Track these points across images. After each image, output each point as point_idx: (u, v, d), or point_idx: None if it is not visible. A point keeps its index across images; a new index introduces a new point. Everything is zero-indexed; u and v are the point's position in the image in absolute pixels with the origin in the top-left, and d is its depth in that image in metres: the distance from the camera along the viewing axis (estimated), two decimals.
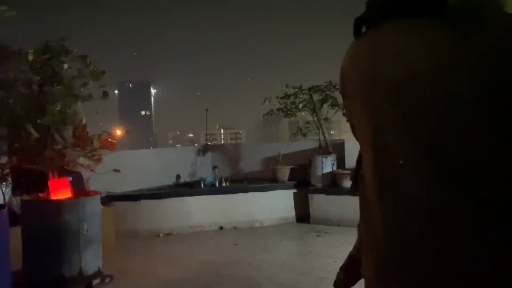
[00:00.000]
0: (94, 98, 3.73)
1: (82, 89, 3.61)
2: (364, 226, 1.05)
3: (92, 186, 5.35)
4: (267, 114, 7.48)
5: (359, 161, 1.10)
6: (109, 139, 3.90)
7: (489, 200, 0.79)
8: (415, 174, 0.85)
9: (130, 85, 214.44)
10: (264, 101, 7.18)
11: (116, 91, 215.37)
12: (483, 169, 0.80)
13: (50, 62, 3.36)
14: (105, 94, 3.81)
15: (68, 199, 3.80)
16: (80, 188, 4.68)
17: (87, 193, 4.05)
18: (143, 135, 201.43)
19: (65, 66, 3.44)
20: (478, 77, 0.80)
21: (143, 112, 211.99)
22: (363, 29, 1.04)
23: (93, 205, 3.82)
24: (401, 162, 0.88)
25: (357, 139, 1.05)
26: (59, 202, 3.71)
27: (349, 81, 1.05)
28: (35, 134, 3.35)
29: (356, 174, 1.15)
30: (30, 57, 3.35)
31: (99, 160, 3.87)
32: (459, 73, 0.83)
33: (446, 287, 0.82)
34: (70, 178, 4.17)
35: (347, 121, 1.20)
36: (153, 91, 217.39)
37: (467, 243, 0.80)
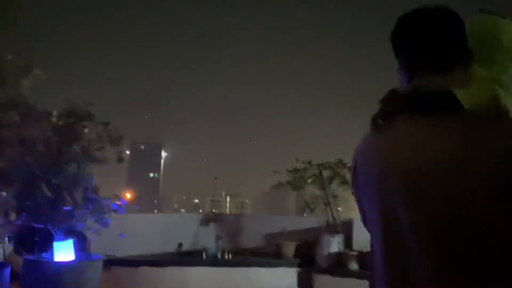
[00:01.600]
0: (109, 161, 3.79)
1: (97, 152, 3.68)
2: None
3: (92, 248, 5.25)
4: (275, 186, 7.46)
5: (372, 248, 1.11)
6: (118, 202, 3.89)
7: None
8: (424, 263, 0.90)
9: (143, 146, 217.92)
10: (274, 173, 7.20)
11: (127, 152, 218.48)
12: (489, 257, 0.85)
13: (72, 125, 3.47)
14: (120, 159, 3.88)
15: (70, 262, 3.72)
16: (82, 250, 4.60)
17: (90, 257, 3.97)
18: (149, 198, 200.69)
19: (86, 130, 3.55)
20: (485, 176, 0.87)
21: (151, 174, 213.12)
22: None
23: (94, 270, 3.73)
24: (412, 250, 0.93)
25: (367, 228, 1.09)
26: (61, 264, 3.63)
27: (362, 170, 1.10)
28: (48, 193, 3.37)
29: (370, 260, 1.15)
30: (54, 119, 3.47)
31: (106, 224, 3.83)
32: (467, 171, 0.89)
33: None
34: (75, 240, 4.11)
35: (356, 200, 1.22)
36: (163, 153, 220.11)
37: None
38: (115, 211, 3.85)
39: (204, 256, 6.59)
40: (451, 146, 0.94)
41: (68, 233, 3.90)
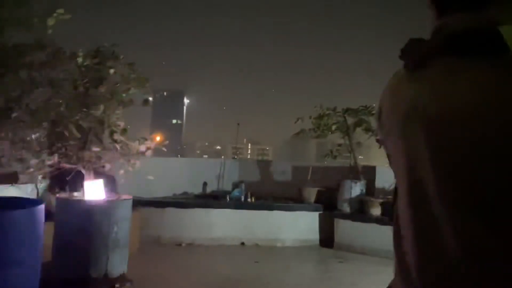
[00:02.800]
0: (135, 104, 3.81)
1: (124, 95, 3.70)
2: (396, 260, 1.03)
3: (120, 190, 5.44)
4: (298, 133, 7.44)
5: (396, 192, 1.10)
6: (148, 146, 3.96)
7: None
8: (446, 211, 0.85)
9: (165, 93, 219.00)
10: (297, 120, 7.13)
11: (150, 98, 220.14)
12: None
13: (98, 66, 3.47)
14: (146, 101, 3.90)
15: (101, 201, 3.87)
16: (112, 191, 4.78)
17: (119, 197, 4.11)
18: (172, 144, 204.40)
19: (111, 71, 3.54)
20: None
21: (174, 121, 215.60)
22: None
23: (125, 209, 3.88)
24: (432, 196, 0.87)
25: (393, 169, 1.03)
26: (92, 203, 3.78)
27: (387, 113, 1.05)
28: (76, 134, 3.44)
29: (393, 205, 1.13)
30: (80, 60, 3.47)
31: (134, 165, 3.93)
32: (495, 116, 0.81)
33: None
34: (104, 181, 4.25)
35: (379, 147, 1.18)
36: (186, 100, 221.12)
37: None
38: (142, 153, 3.93)
39: (228, 199, 6.75)
40: (483, 90, 0.86)
41: (98, 174, 4.04)
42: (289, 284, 4.60)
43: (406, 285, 0.96)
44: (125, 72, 3.70)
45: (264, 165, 8.85)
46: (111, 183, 5.13)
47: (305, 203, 6.79)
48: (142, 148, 3.89)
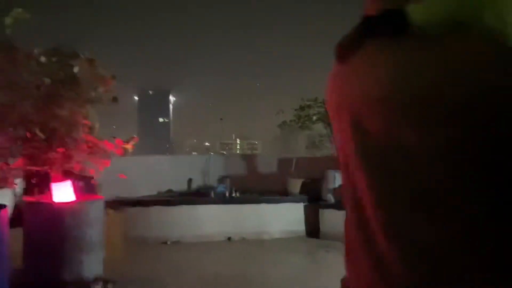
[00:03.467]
0: (103, 102, 3.75)
1: (93, 93, 3.64)
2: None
3: (104, 191, 5.40)
4: (280, 125, 7.45)
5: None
6: (119, 145, 3.91)
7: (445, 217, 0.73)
8: (372, 198, 0.82)
9: (150, 92, 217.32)
10: (277, 112, 7.16)
11: (136, 97, 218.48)
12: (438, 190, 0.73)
13: (60, 65, 3.40)
14: (115, 99, 3.84)
15: (70, 202, 3.80)
16: (92, 193, 4.72)
17: (90, 197, 4.05)
18: (161, 143, 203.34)
19: (76, 69, 3.47)
20: (414, 107, 0.73)
21: (161, 120, 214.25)
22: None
23: (96, 210, 3.81)
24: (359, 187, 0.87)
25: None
26: (60, 205, 3.71)
27: (328, 105, 1.05)
28: (41, 135, 3.38)
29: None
30: (43, 59, 3.40)
31: (104, 164, 3.87)
32: (394, 103, 0.76)
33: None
34: (82, 183, 4.19)
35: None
36: (172, 98, 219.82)
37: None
38: (111, 152, 3.87)
39: (213, 195, 6.74)
40: (381, 76, 0.80)
41: (70, 174, 3.96)
42: (277, 276, 4.62)
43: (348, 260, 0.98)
44: (87, 69, 3.60)
45: (249, 159, 8.86)
46: (90, 185, 5.08)
47: (290, 195, 6.82)
48: (113, 147, 3.83)
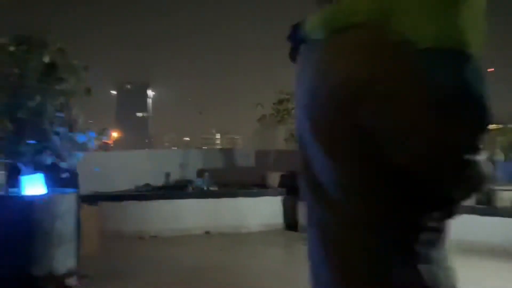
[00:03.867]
0: (76, 94, 3.66)
1: (65, 85, 3.53)
2: None
3: (82, 185, 5.32)
4: (259, 119, 7.44)
5: None
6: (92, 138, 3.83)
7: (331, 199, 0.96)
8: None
9: (129, 86, 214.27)
10: (256, 106, 7.13)
11: (114, 92, 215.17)
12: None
13: (29, 55, 3.29)
14: (88, 91, 3.75)
15: (39, 196, 3.71)
16: (75, 186, 4.65)
17: (63, 191, 3.96)
18: (139, 137, 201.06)
19: (46, 59, 3.37)
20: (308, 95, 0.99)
21: (139, 114, 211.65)
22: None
23: (68, 203, 3.72)
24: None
25: None
26: (28, 199, 3.62)
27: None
28: (9, 127, 3.28)
29: None
30: (12, 48, 3.29)
31: (77, 158, 3.78)
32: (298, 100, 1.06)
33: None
34: (65, 175, 4.10)
35: None
36: (151, 93, 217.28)
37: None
38: (84, 144, 3.78)
39: (191, 189, 6.70)
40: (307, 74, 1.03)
41: (58, 168, 3.87)
42: (255, 269, 4.62)
43: None
44: (56, 58, 3.50)
45: (228, 153, 8.84)
46: (74, 178, 5.00)
47: (269, 188, 6.83)
48: (82, 138, 3.74)
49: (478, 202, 5.25)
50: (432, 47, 0.80)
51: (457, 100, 0.80)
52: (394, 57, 0.82)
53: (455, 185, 0.87)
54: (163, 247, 5.57)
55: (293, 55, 1.11)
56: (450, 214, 0.96)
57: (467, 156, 0.82)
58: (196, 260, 5.02)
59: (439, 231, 0.95)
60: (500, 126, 5.59)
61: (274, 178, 6.89)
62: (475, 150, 0.82)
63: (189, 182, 6.89)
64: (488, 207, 5.12)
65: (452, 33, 0.81)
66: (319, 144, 0.96)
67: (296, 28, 1.07)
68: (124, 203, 6.06)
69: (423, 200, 0.89)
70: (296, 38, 1.07)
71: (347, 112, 0.88)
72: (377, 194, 0.90)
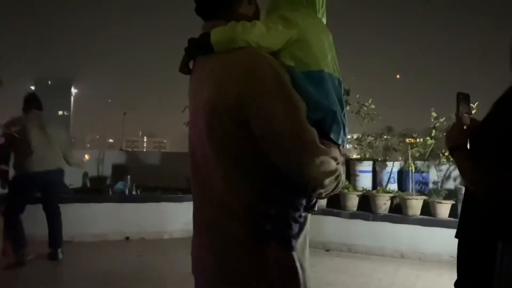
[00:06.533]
0: None
1: None
2: None
3: None
4: (187, 123, 7.32)
5: None
6: None
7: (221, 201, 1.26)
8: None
9: (50, 82, 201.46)
10: (184, 110, 7.00)
11: (32, 87, 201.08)
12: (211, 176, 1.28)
13: None
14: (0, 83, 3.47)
15: None
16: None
17: None
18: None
19: None
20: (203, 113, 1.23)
21: (60, 112, 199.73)
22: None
23: None
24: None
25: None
26: None
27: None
28: None
29: None
30: None
31: None
32: (197, 106, 1.26)
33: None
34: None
35: None
36: (73, 90, 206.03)
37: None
38: None
39: (111, 192, 6.42)
40: (193, 84, 1.34)
41: None
42: (175, 275, 4.51)
43: None
44: None
45: (154, 155, 8.61)
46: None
47: None
48: None
49: (390, 210, 5.59)
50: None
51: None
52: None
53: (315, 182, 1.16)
54: (78, 253, 5.26)
55: (187, 65, 1.34)
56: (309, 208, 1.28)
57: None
58: (113, 267, 4.81)
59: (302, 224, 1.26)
60: (412, 139, 6.00)
61: None
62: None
63: (109, 185, 6.60)
64: (399, 215, 5.47)
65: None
66: (215, 147, 1.21)
67: (193, 42, 1.27)
68: (37, 206, 5.63)
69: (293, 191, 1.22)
70: (192, 51, 1.29)
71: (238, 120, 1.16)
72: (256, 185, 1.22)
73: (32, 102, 5.00)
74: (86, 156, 6.01)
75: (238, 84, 1.12)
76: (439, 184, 5.59)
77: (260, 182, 1.19)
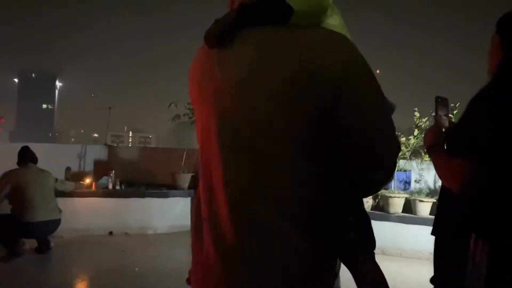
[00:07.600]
0: None
1: None
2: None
3: None
4: (173, 119, 7.28)
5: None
6: None
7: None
8: (223, 177, 0.96)
9: (34, 75, 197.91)
10: (170, 105, 6.98)
11: (16, 80, 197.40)
12: (267, 158, 0.93)
13: None
14: None
15: None
16: None
17: None
18: (43, 131, 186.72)
19: None
20: (270, 88, 0.92)
21: (44, 106, 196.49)
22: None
23: None
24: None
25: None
26: None
27: (196, 86, 1.09)
28: None
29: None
30: None
31: None
32: (255, 84, 0.94)
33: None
34: None
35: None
36: (58, 84, 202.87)
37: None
38: None
39: (94, 187, 6.37)
40: (247, 59, 0.96)
41: None
42: (156, 270, 4.51)
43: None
44: None
45: (139, 151, 8.56)
46: None
47: (179, 189, 6.71)
48: None
49: (373, 208, 5.67)
50: None
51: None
52: None
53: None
54: (61, 248, 5.22)
55: (225, 36, 1.01)
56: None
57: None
58: (96, 262, 4.78)
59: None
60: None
61: (185, 179, 6.79)
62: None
63: (95, 180, 6.54)
64: (381, 213, 5.55)
65: None
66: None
67: (262, 6, 0.99)
68: None
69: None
70: (251, 18, 1.00)
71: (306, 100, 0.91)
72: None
73: (27, 156, 5.15)
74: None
75: (338, 70, 0.90)
76: (421, 183, 5.69)
77: (331, 184, 0.98)
